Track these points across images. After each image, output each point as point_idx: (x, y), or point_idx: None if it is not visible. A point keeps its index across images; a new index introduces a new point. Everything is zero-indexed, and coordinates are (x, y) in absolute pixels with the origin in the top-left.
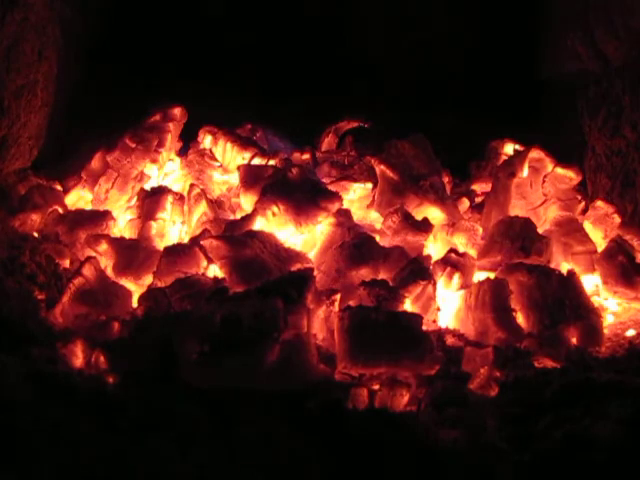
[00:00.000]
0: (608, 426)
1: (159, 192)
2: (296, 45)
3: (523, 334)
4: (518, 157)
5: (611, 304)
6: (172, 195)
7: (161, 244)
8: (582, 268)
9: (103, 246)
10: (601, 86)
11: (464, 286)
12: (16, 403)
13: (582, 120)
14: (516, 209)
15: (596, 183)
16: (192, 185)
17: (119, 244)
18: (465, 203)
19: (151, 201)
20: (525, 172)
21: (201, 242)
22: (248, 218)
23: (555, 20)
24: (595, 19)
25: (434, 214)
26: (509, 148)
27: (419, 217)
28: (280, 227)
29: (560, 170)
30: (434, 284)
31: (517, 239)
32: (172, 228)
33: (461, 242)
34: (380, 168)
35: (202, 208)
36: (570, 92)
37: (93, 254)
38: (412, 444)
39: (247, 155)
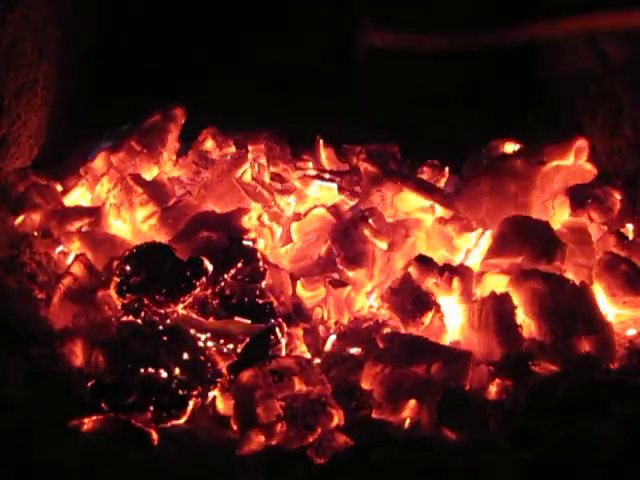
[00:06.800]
0: (608, 426)
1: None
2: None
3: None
4: (556, 145)
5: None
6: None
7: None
8: (580, 280)
9: (76, 244)
10: (601, 85)
11: (465, 295)
12: (16, 403)
13: (582, 119)
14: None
15: None
16: (124, 180)
17: (92, 239)
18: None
19: None
20: (571, 160)
21: None
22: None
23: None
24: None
25: (417, 202)
26: (509, 148)
27: (401, 206)
28: None
29: (588, 165)
30: (439, 310)
31: (538, 244)
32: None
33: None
34: (364, 166)
35: (148, 211)
36: (570, 92)
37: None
38: (412, 443)
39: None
